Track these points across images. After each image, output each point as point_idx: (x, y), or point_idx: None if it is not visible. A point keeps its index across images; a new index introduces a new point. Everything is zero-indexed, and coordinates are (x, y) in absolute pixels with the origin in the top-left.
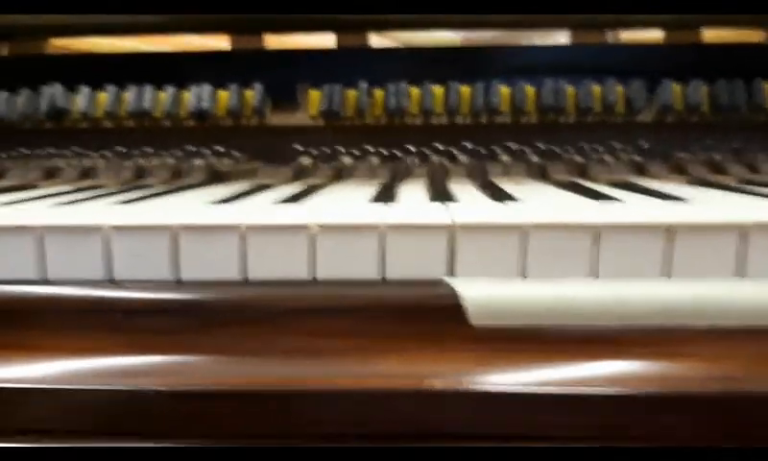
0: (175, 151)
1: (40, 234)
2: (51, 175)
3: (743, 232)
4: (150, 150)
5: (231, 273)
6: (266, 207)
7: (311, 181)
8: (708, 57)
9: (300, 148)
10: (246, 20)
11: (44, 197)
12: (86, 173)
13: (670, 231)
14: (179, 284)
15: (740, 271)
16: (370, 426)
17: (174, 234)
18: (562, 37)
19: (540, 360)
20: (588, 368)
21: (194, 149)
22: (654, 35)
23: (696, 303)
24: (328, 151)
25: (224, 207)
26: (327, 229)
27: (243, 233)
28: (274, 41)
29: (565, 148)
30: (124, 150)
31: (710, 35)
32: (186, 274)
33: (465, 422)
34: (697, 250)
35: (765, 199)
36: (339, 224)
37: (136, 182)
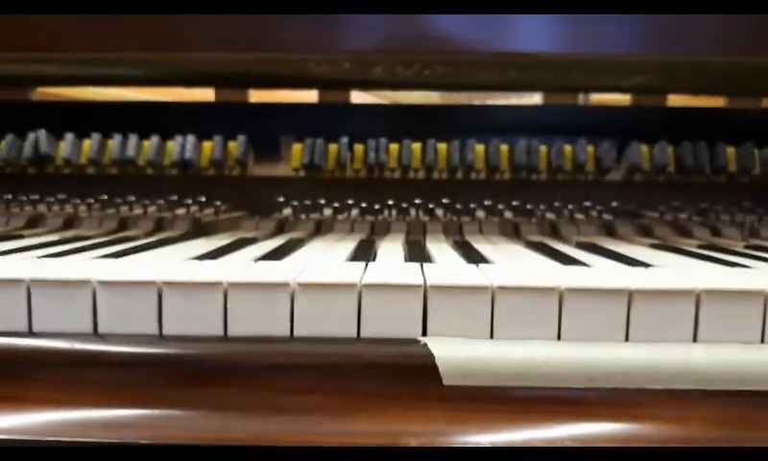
0: (158, 200)
1: (27, 287)
2: (34, 222)
3: (696, 298)
4: (133, 198)
5: (213, 328)
6: (247, 264)
7: (292, 234)
8: (674, 120)
9: (281, 199)
10: (231, 74)
11: (30, 248)
12: (70, 221)
13: (630, 297)
14: (161, 339)
15: (695, 335)
16: None
17: (158, 290)
18: (535, 98)
19: (508, 420)
20: (554, 429)
21: (177, 198)
22: (622, 98)
23: (654, 366)
24: (309, 202)
25: (206, 263)
26: (306, 287)
27: (225, 289)
28: (257, 95)
29: (538, 205)
30: (107, 198)
31: (676, 99)
32: (169, 329)
33: None
34: (655, 314)
35: (721, 265)
36: (317, 282)
37: (120, 234)
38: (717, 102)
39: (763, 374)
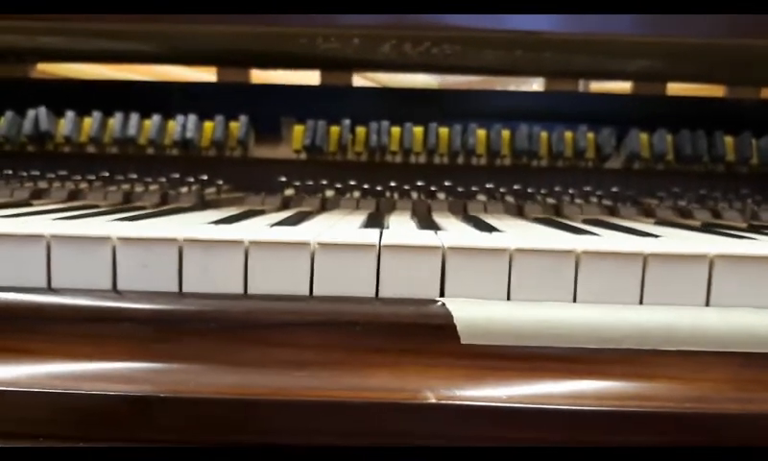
0: (160, 178)
1: (47, 243)
2: (38, 195)
3: (709, 263)
4: (134, 176)
5: (233, 286)
6: (264, 228)
7: (299, 209)
8: (674, 108)
9: (283, 179)
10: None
11: (41, 212)
12: (74, 195)
13: (645, 260)
14: (181, 296)
15: (707, 299)
16: (363, 437)
17: (179, 247)
18: (536, 85)
19: (524, 377)
20: (569, 386)
21: (179, 177)
22: (622, 86)
23: (667, 328)
24: (312, 183)
25: (224, 227)
26: (326, 246)
27: (246, 248)
28: (260, 76)
29: (539, 189)
30: (109, 175)
31: (676, 88)
32: (189, 286)
33: (455, 432)
34: (669, 279)
35: (728, 237)
36: (337, 242)
37: (127, 205)
38: (717, 91)
39: None
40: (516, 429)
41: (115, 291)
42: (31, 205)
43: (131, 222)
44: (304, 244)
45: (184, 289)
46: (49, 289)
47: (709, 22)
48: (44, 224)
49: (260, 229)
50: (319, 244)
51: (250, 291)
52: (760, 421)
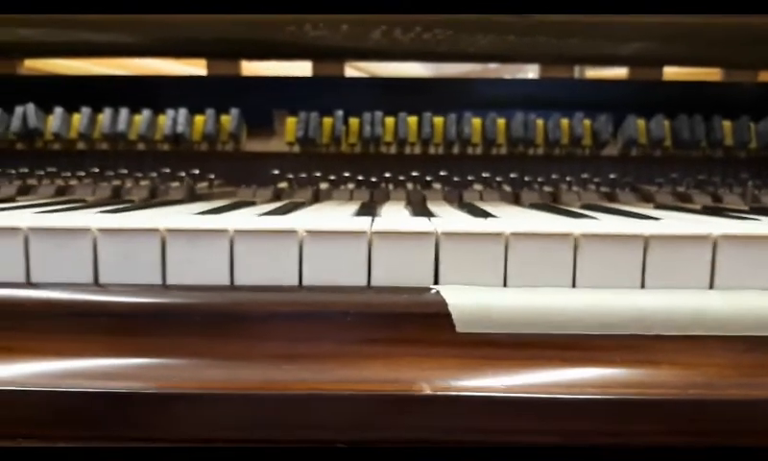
0: (150, 173)
1: (25, 236)
2: (25, 191)
3: (713, 244)
4: (125, 171)
5: (219, 278)
6: (251, 218)
7: (291, 200)
8: (670, 93)
9: (276, 172)
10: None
11: (25, 207)
12: (62, 191)
13: (646, 243)
14: (165, 288)
15: (711, 282)
16: (356, 431)
17: (162, 238)
18: (531, 73)
19: (523, 366)
20: (569, 375)
21: (170, 172)
22: (618, 72)
23: (670, 313)
24: (305, 176)
25: (210, 217)
26: (315, 234)
27: (231, 237)
28: (250, 68)
29: (536, 178)
30: (99, 171)
31: (672, 72)
32: (173, 278)
33: (451, 424)
34: (671, 261)
35: (731, 219)
36: (326, 229)
37: (115, 199)
38: (714, 75)
39: None
40: (514, 420)
41: (97, 284)
42: (15, 201)
43: (114, 214)
44: (292, 232)
45: (168, 281)
46: (28, 284)
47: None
48: (23, 216)
49: (248, 218)
50: (307, 232)
51: (236, 282)
52: (765, 405)
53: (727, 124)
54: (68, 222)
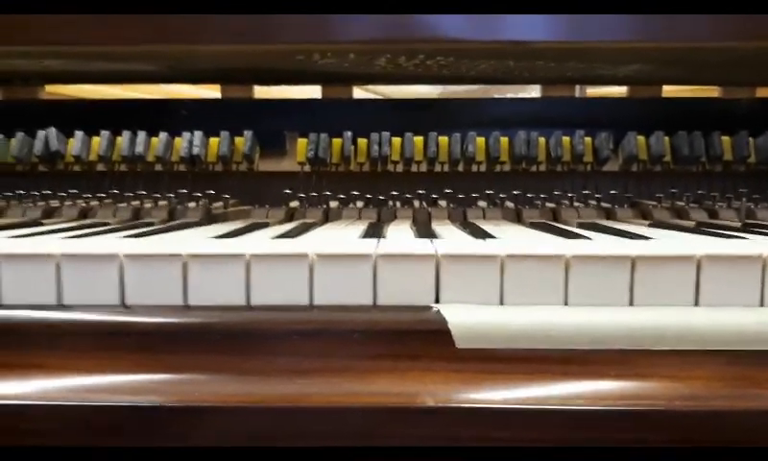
0: (168, 194)
1: (57, 263)
2: (49, 214)
3: (697, 263)
4: (143, 192)
5: (236, 298)
6: (265, 241)
7: (303, 220)
8: (670, 110)
9: (288, 191)
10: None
11: (52, 231)
12: (84, 213)
13: (633, 263)
14: (187, 309)
15: (696, 299)
16: (364, 441)
17: (184, 263)
18: (533, 92)
19: (519, 380)
20: (564, 386)
21: (187, 192)
22: (618, 90)
23: (658, 329)
24: (316, 195)
25: (227, 241)
26: (325, 258)
27: (247, 261)
28: (263, 92)
29: (538, 194)
30: (118, 192)
31: (671, 90)
32: (194, 300)
33: (453, 433)
34: (657, 280)
35: (719, 237)
36: (335, 253)
37: (136, 221)
38: (712, 92)
39: (763, 334)
40: (513, 430)
41: (123, 306)
42: (42, 224)
43: (138, 239)
44: (303, 256)
45: (189, 302)
46: (60, 306)
47: (700, 25)
48: (55, 243)
49: (262, 242)
50: (317, 255)
51: (252, 302)
52: (749, 416)
53: (726, 139)
54: (97, 248)
